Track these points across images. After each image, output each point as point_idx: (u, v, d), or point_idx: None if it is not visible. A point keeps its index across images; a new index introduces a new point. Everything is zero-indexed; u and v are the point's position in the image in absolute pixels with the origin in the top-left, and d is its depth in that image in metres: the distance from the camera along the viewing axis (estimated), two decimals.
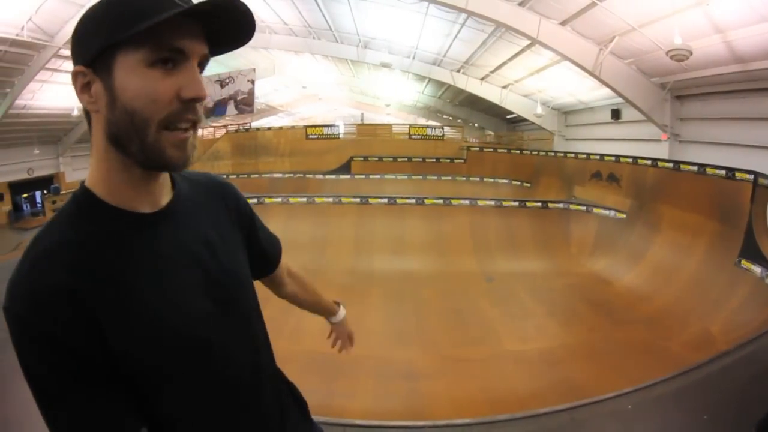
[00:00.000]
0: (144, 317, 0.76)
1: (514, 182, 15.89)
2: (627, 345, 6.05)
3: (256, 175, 15.97)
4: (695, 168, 9.01)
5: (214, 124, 22.18)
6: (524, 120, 22.02)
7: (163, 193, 0.88)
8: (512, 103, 20.45)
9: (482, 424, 3.21)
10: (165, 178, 0.88)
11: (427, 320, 6.99)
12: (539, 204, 10.89)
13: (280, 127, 20.00)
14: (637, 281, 8.48)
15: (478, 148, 18.99)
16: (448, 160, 17.64)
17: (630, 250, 9.29)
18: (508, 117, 25.69)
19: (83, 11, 0.78)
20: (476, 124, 29.88)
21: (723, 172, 8.27)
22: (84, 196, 0.80)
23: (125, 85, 0.72)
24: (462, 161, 17.61)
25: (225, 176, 11.78)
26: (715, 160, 9.00)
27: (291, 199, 10.66)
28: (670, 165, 9.81)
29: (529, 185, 15.38)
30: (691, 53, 9.84)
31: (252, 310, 1.03)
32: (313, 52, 19.48)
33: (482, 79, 20.02)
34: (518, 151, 17.95)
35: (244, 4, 0.75)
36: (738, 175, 7.96)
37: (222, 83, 21.38)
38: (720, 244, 7.71)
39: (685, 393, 3.78)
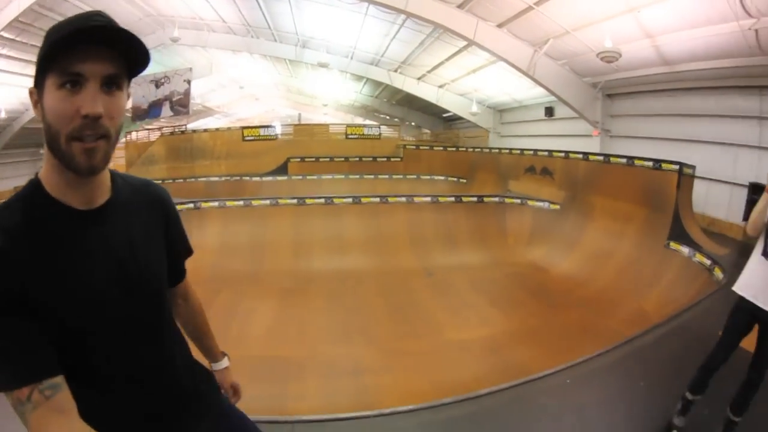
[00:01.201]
0: (57, 285, 0.92)
1: (451, 179, 16.25)
2: (566, 327, 6.29)
3: (192, 179, 15.50)
4: (624, 160, 9.56)
5: (148, 127, 21.07)
6: (460, 118, 22.47)
7: (99, 194, 1.02)
8: (448, 101, 20.85)
9: (427, 409, 3.21)
10: (102, 181, 1.02)
11: (370, 317, 6.96)
12: (475, 198, 11.17)
13: (217, 129, 19.41)
14: (573, 267, 8.84)
15: (414, 146, 19.29)
16: (385, 159, 17.84)
17: (565, 239, 9.67)
18: (445, 115, 26.16)
19: None
20: (413, 123, 30.28)
21: (650, 163, 8.88)
22: (34, 184, 0.97)
23: (46, 103, 0.89)
24: (399, 159, 17.84)
25: (160, 181, 11.07)
26: (644, 153, 9.53)
27: (228, 203, 10.37)
28: (601, 158, 10.36)
29: (465, 181, 15.78)
30: (620, 55, 10.45)
31: (161, 306, 1.16)
32: (251, 51, 19.02)
33: (419, 78, 20.27)
34: (454, 149, 18.47)
35: (104, 27, 0.87)
36: (664, 165, 8.54)
37: (157, 83, 20.25)
38: (650, 229, 8.23)
39: (621, 364, 3.95)
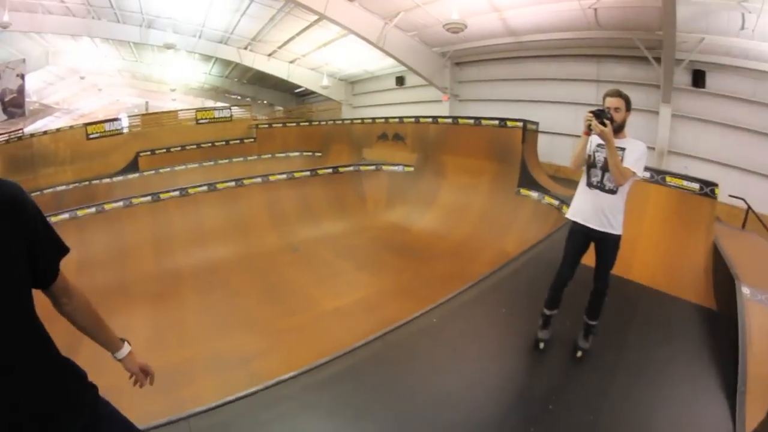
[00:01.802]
0: None
1: (306, 153, 16.44)
2: (435, 277, 6.74)
3: (38, 193, 13.50)
4: (472, 121, 10.37)
5: None
6: (312, 93, 22.72)
7: None
8: (299, 77, 20.89)
9: (308, 372, 3.29)
10: None
11: (245, 303, 6.87)
12: (330, 170, 11.38)
13: (57, 130, 16.94)
14: (434, 223, 9.46)
15: (267, 125, 19.01)
16: (238, 141, 17.44)
17: (422, 198, 10.29)
18: (297, 91, 26.14)
19: None
20: (265, 101, 29.89)
21: (496, 122, 9.77)
22: None
23: None
24: (252, 140, 17.54)
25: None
26: (493, 114, 10.42)
27: (79, 213, 9.33)
28: (449, 120, 11.15)
29: (320, 154, 16.02)
30: (465, 27, 11.19)
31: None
32: (92, 35, 16.94)
33: (269, 55, 20.03)
34: (307, 123, 18.56)
35: None
36: (509, 123, 9.51)
37: None
38: (500, 180, 9.10)
39: (483, 296, 4.41)
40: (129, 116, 18.70)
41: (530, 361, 3.45)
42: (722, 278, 4.22)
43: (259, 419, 2.83)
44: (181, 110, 19.99)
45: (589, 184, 3.16)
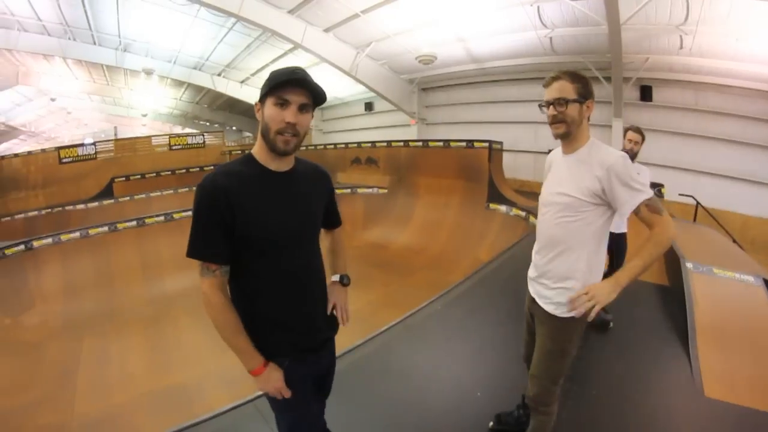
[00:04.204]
0: (251, 215, 1.51)
1: None
2: (417, 287, 7.38)
3: (8, 218, 13.16)
4: (441, 143, 11.16)
5: None
6: None
7: (285, 165, 1.64)
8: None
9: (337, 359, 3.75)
10: (289, 159, 1.64)
11: None
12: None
13: (29, 152, 16.54)
14: (410, 239, 10.14)
15: (240, 151, 19.10)
16: (212, 167, 17.40)
17: (397, 217, 10.94)
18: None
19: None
20: (234, 127, 30.06)
21: (464, 143, 10.60)
22: (248, 155, 1.63)
23: (266, 111, 1.53)
24: None
25: None
26: (459, 136, 11.23)
27: (63, 237, 9.38)
28: (420, 143, 11.90)
29: None
30: (436, 58, 12.24)
31: (314, 237, 1.74)
32: (66, 55, 16.60)
33: (242, 81, 20.43)
34: None
35: (303, 79, 1.50)
36: (476, 144, 10.36)
37: None
38: (471, 197, 9.88)
39: (469, 291, 5.28)
40: (101, 141, 18.49)
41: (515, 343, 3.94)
42: (672, 259, 5.18)
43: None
44: (155, 136, 19.97)
45: None
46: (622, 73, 9.99)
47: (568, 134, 1.98)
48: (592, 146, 1.97)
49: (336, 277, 1.96)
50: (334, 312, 1.82)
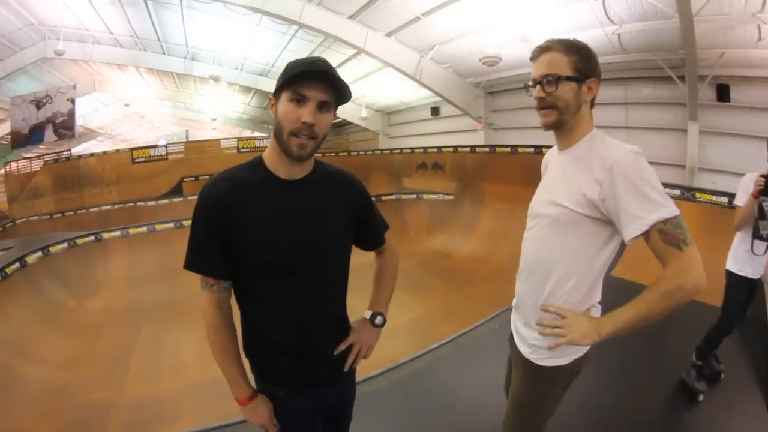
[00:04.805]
0: (246, 231, 1.30)
1: None
2: (479, 299, 7.02)
3: (83, 211, 14.33)
4: (508, 149, 10.74)
5: (28, 155, 18.65)
6: (349, 123, 23.05)
7: (299, 172, 1.38)
8: (338, 109, 21.27)
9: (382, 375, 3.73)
10: (304, 166, 1.39)
11: None
12: (372, 199, 11.71)
13: (104, 153, 17.67)
14: (475, 249, 9.80)
15: None
16: None
17: (462, 225, 10.62)
18: (334, 122, 26.64)
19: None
20: None
21: (531, 149, 10.15)
22: (258, 159, 1.40)
23: (279, 108, 1.28)
24: None
25: (48, 216, 10.03)
26: (525, 141, 10.74)
27: (131, 231, 9.90)
28: (487, 149, 11.54)
29: None
30: (500, 59, 11.73)
31: (328, 262, 1.44)
32: (138, 65, 17.77)
33: None
34: (346, 153, 19.09)
35: (324, 71, 1.24)
36: (544, 150, 9.73)
37: (38, 104, 17.92)
38: None
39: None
40: (172, 143, 19.36)
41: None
42: None
43: None
44: (224, 139, 20.57)
45: (759, 237, 3.03)
46: (697, 71, 9.14)
47: (561, 124, 1.49)
48: (593, 140, 1.47)
49: (368, 314, 1.69)
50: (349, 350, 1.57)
